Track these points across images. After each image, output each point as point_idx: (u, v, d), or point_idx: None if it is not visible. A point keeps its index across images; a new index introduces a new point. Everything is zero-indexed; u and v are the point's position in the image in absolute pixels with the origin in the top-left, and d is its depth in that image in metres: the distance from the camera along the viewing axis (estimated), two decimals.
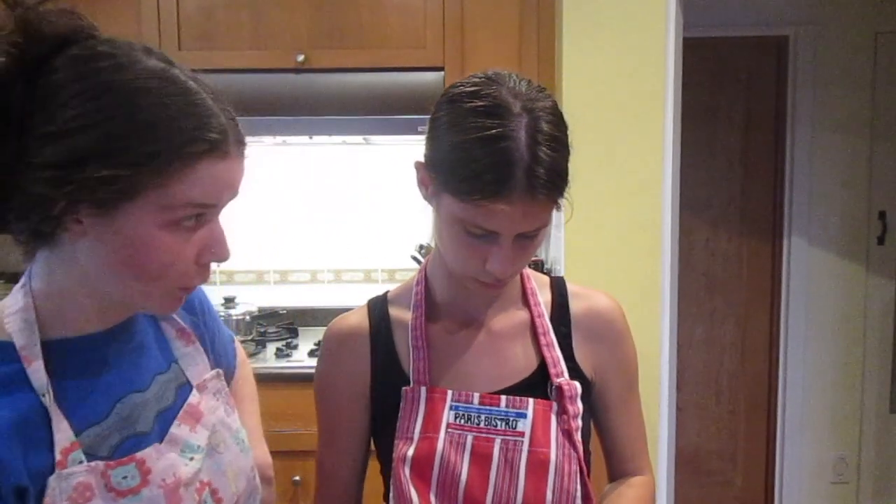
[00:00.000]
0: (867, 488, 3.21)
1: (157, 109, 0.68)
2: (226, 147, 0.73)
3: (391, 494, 0.95)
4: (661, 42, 2.20)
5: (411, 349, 0.99)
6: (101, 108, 0.66)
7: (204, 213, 0.73)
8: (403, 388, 0.97)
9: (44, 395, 0.70)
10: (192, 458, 0.79)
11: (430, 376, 0.97)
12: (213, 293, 2.73)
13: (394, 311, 1.04)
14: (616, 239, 2.23)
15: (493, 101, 0.86)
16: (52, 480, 0.68)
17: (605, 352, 1.03)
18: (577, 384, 0.97)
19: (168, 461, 0.77)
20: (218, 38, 2.36)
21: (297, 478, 2.20)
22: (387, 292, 1.08)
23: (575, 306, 1.04)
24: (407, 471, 0.93)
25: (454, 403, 0.95)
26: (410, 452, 0.93)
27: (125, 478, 0.72)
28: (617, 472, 1.09)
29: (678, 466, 2.49)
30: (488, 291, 0.95)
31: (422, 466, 0.93)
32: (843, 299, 3.15)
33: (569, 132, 0.91)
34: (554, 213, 0.91)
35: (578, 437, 0.94)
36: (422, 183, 0.94)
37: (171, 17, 2.35)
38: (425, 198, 0.94)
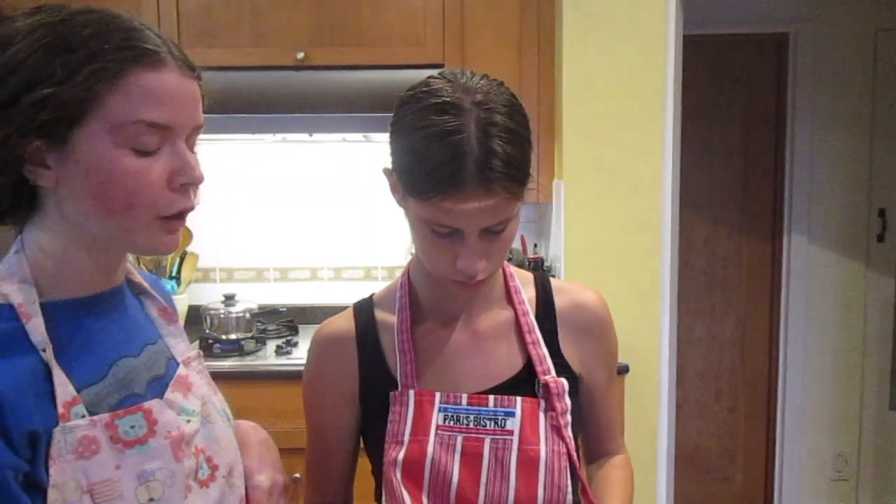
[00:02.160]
0: (867, 485, 3.22)
1: (82, 29, 0.70)
2: (159, 56, 0.72)
3: (384, 498, 0.96)
4: (661, 40, 2.20)
5: (398, 352, 0.99)
6: (28, 46, 0.69)
7: (161, 134, 0.72)
8: (392, 392, 0.97)
9: (43, 351, 0.70)
10: (188, 420, 0.80)
11: (418, 379, 0.98)
12: (213, 290, 2.75)
13: (380, 314, 1.04)
14: (616, 237, 2.23)
15: (445, 98, 0.86)
16: (56, 433, 0.68)
17: (590, 345, 1.04)
18: (564, 381, 0.97)
19: (171, 416, 0.77)
20: (218, 36, 2.36)
21: (297, 475, 2.20)
22: (372, 295, 1.08)
23: (559, 302, 1.04)
24: (398, 474, 0.93)
25: (443, 405, 0.95)
26: (401, 456, 0.93)
27: (132, 427, 0.73)
28: (596, 452, 1.12)
29: (678, 463, 2.49)
30: (466, 291, 0.94)
31: (413, 469, 0.93)
32: (843, 297, 3.16)
33: (530, 124, 0.90)
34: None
35: (567, 432, 0.95)
36: (393, 189, 0.95)
37: (171, 15, 2.35)
38: (398, 203, 0.95)
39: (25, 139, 0.69)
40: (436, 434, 0.94)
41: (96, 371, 0.75)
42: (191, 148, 0.78)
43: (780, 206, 3.18)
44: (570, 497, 0.93)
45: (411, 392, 0.96)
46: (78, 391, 0.72)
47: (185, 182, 0.75)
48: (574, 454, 0.95)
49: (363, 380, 1.01)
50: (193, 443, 0.79)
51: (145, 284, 0.89)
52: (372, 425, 1.00)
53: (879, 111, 3.07)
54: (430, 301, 1.02)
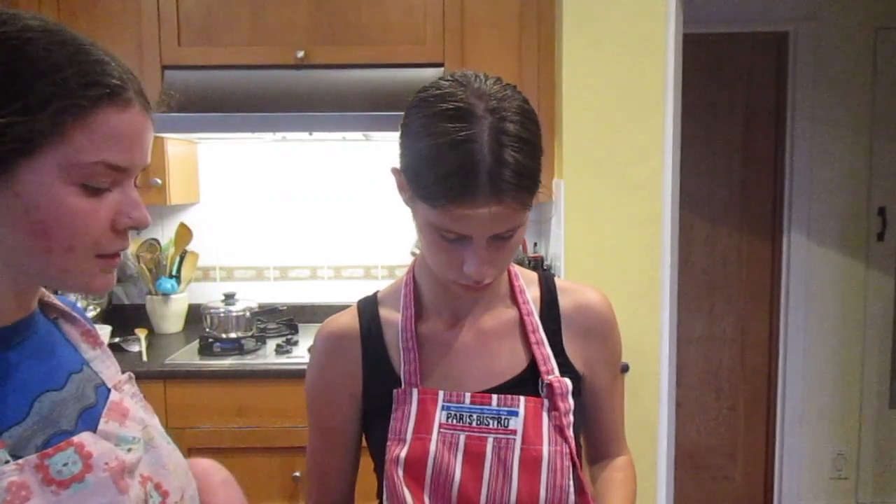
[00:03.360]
0: (866, 483, 3.22)
1: (47, 56, 0.65)
2: (127, 95, 0.69)
3: (385, 496, 0.96)
4: (661, 38, 2.20)
5: (402, 351, 0.99)
6: None
7: (115, 176, 0.68)
8: (395, 389, 0.97)
9: None
10: (129, 450, 0.74)
11: (421, 377, 0.98)
12: (213, 289, 2.75)
13: (384, 312, 1.04)
14: (616, 235, 2.23)
15: (458, 105, 0.85)
16: None
17: (594, 345, 1.04)
18: (568, 381, 0.97)
19: (106, 447, 0.71)
20: (217, 35, 2.36)
21: (297, 473, 2.21)
22: (376, 293, 1.08)
23: (564, 302, 1.04)
24: (400, 472, 0.93)
25: (446, 404, 0.96)
26: (403, 454, 0.93)
27: (66, 465, 0.66)
28: (598, 454, 1.11)
29: (678, 462, 2.49)
30: (471, 294, 0.95)
31: (415, 468, 0.93)
32: (843, 295, 3.16)
33: (540, 131, 0.89)
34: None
35: (570, 432, 0.95)
36: (400, 188, 0.94)
37: (171, 14, 2.34)
38: (405, 203, 0.95)
39: None
40: (438, 432, 0.94)
41: (17, 410, 0.68)
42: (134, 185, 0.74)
43: (779, 205, 3.18)
44: (572, 497, 0.93)
45: (414, 390, 0.96)
46: None
47: (131, 225, 0.71)
48: (576, 454, 0.95)
49: (366, 377, 1.01)
50: (137, 471, 0.73)
51: (62, 306, 0.82)
52: (374, 423, 1.00)
53: (879, 109, 3.07)
54: (435, 300, 1.02)
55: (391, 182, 0.95)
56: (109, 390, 0.79)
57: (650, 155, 2.22)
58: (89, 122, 0.66)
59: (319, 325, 1.08)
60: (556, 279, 1.08)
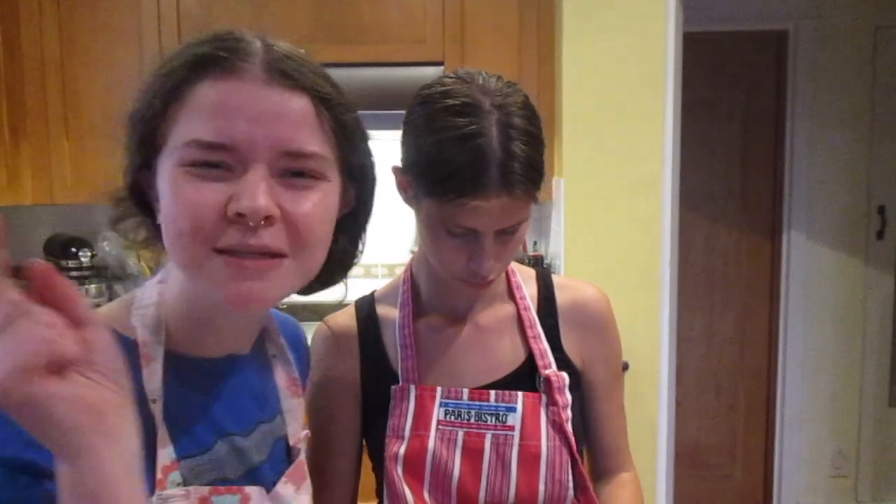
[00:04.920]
0: (866, 482, 3.23)
1: (174, 51, 0.65)
2: (228, 64, 0.61)
3: (385, 493, 0.96)
4: (660, 37, 2.20)
5: (399, 348, 0.99)
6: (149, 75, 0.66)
7: (227, 156, 0.60)
8: (393, 386, 0.98)
9: (153, 402, 0.62)
10: None
11: (419, 374, 0.98)
12: None
13: (381, 310, 1.04)
14: (616, 234, 2.23)
15: (464, 100, 0.86)
16: (154, 500, 0.61)
17: (591, 341, 1.04)
18: (565, 375, 0.97)
19: None
20: None
21: None
22: (373, 291, 1.08)
23: (561, 298, 1.04)
24: (399, 469, 0.93)
25: (444, 400, 0.96)
26: (402, 451, 0.94)
27: None
28: (601, 467, 1.08)
29: (677, 460, 2.50)
30: (475, 290, 0.95)
31: (414, 464, 0.93)
32: (843, 294, 3.16)
33: (542, 125, 0.90)
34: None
35: (569, 427, 0.95)
36: (400, 187, 0.95)
37: (171, 11, 2.35)
38: (406, 201, 0.95)
39: (141, 173, 0.65)
40: (437, 429, 0.94)
41: (200, 443, 0.67)
42: (273, 174, 0.61)
43: (779, 204, 3.18)
44: (571, 493, 0.93)
45: (412, 387, 0.97)
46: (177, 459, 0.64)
47: (238, 211, 0.59)
48: (575, 450, 0.95)
49: (364, 375, 1.01)
50: None
51: (284, 346, 0.81)
52: (373, 421, 1.00)
53: (879, 108, 3.07)
54: (433, 297, 1.03)
55: (391, 180, 0.95)
56: (288, 445, 0.78)
57: (650, 154, 2.22)
58: (185, 99, 0.62)
59: (318, 323, 1.08)
60: (554, 276, 1.08)
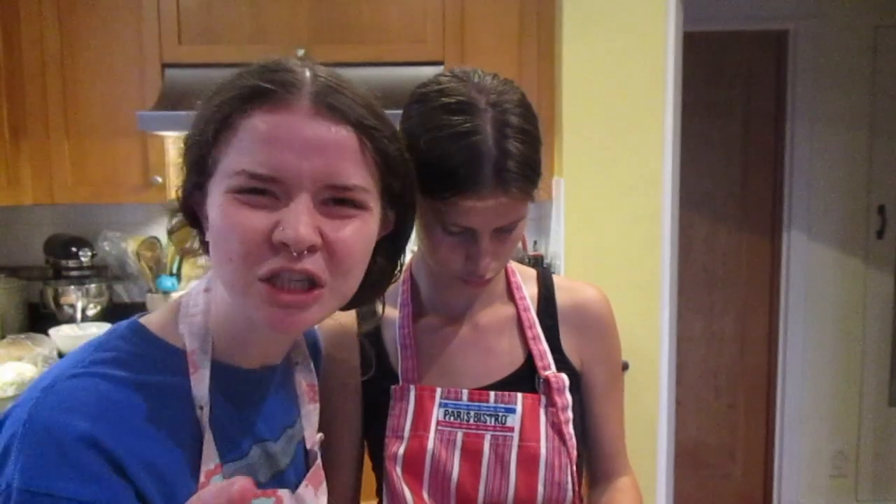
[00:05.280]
0: (866, 482, 3.23)
1: (225, 79, 0.69)
2: (277, 97, 0.65)
3: (384, 493, 0.96)
4: (661, 37, 2.20)
5: (399, 348, 0.99)
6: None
7: (273, 188, 0.63)
8: (392, 386, 0.98)
9: (200, 408, 0.66)
10: None
11: (419, 374, 0.98)
12: None
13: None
14: (616, 233, 2.23)
15: (459, 98, 0.86)
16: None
17: (591, 343, 1.03)
18: (565, 376, 0.97)
19: None
20: (218, 33, 2.36)
21: None
22: None
23: (561, 299, 1.04)
24: (399, 470, 0.93)
25: (443, 401, 0.96)
26: (401, 451, 0.94)
27: None
28: (598, 471, 1.08)
29: (677, 460, 2.50)
30: (473, 289, 0.95)
31: (413, 465, 0.93)
32: (843, 293, 3.16)
33: (539, 124, 0.90)
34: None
35: (568, 429, 0.95)
36: None
37: (171, 12, 2.34)
38: None
39: (197, 194, 0.69)
40: (436, 430, 0.94)
41: (238, 449, 0.70)
42: (316, 203, 0.64)
43: (779, 203, 3.18)
44: (569, 494, 0.93)
45: (412, 387, 0.97)
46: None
47: (283, 241, 0.62)
48: (574, 451, 0.95)
49: (364, 375, 1.01)
50: None
51: (307, 354, 0.85)
52: (373, 421, 1.00)
53: (879, 108, 3.07)
54: (432, 297, 1.03)
55: None
56: (305, 450, 0.82)
57: (650, 153, 2.22)
58: (235, 129, 0.64)
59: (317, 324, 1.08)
60: (554, 276, 1.08)
